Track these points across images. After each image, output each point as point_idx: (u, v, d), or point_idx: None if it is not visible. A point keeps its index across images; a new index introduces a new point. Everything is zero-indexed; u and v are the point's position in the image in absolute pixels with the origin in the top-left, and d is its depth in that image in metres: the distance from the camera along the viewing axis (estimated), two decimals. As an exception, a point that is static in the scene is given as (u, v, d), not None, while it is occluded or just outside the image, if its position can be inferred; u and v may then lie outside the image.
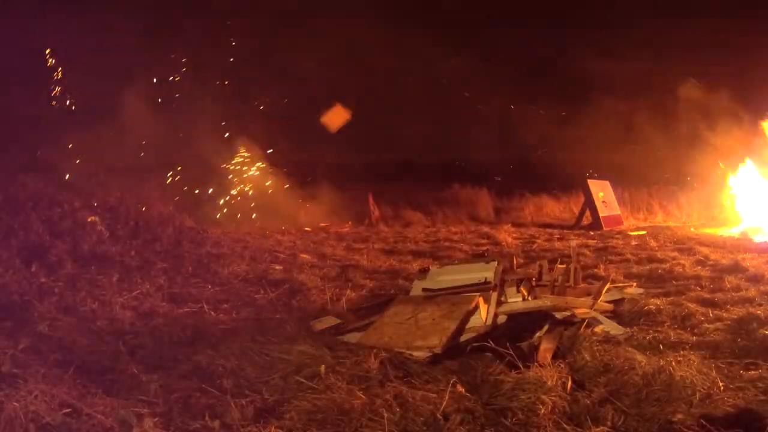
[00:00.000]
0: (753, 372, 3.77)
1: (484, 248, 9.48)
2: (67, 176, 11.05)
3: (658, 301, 5.50)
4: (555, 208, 18.25)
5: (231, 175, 15.17)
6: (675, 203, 16.46)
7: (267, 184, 15.12)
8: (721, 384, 3.52)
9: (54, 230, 7.70)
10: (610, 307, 5.15)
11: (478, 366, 4.07)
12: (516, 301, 5.02)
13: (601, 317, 4.81)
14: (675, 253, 8.96)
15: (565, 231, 13.45)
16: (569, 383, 3.55)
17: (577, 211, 15.78)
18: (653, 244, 10.27)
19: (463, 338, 4.51)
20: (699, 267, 7.69)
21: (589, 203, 14.42)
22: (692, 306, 5.34)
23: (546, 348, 4.17)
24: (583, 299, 5.07)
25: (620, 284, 6.28)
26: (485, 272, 5.45)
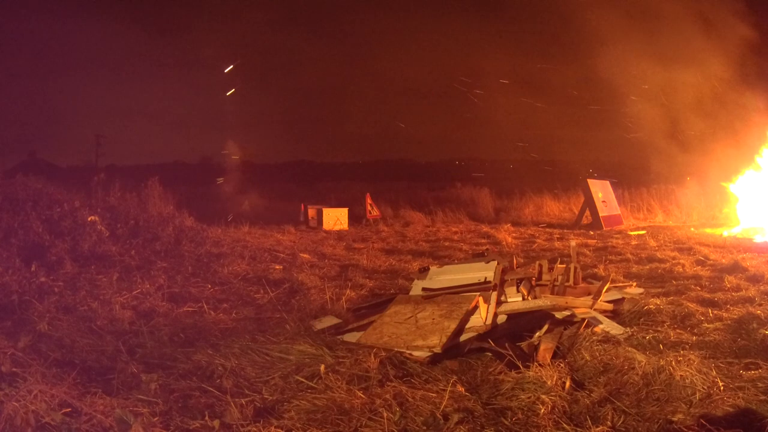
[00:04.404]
0: (753, 372, 3.77)
1: (484, 248, 9.48)
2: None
3: (658, 301, 5.51)
4: (555, 208, 18.27)
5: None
6: (675, 203, 16.48)
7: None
8: (721, 384, 3.52)
9: (54, 230, 7.70)
10: (610, 306, 5.15)
11: (478, 366, 4.08)
12: (516, 300, 5.01)
13: (601, 317, 4.81)
14: (675, 253, 8.97)
15: (565, 231, 13.46)
16: (569, 383, 3.55)
17: (577, 210, 15.79)
18: (653, 243, 10.28)
19: (463, 338, 4.50)
20: (699, 267, 7.70)
21: (589, 203, 14.43)
22: (692, 306, 5.35)
23: (546, 348, 4.17)
24: (583, 299, 5.07)
25: (620, 284, 6.28)
26: (485, 272, 5.45)
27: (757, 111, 13.73)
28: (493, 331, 4.53)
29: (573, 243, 6.49)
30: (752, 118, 13.78)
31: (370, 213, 15.86)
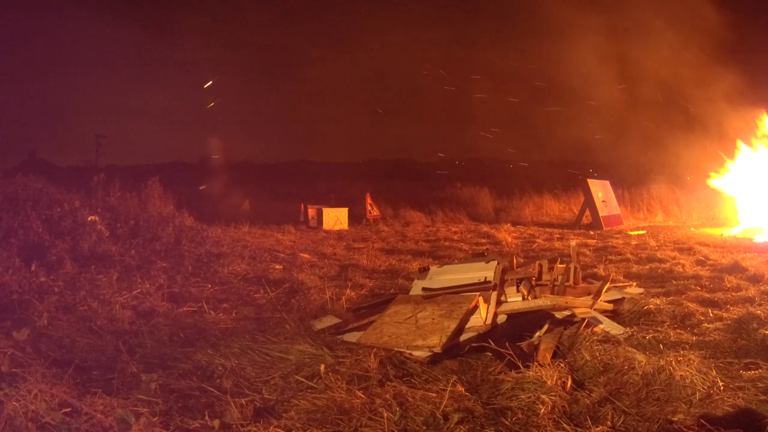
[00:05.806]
0: (753, 372, 3.77)
1: (484, 248, 9.49)
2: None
3: (658, 301, 5.51)
4: (555, 208, 18.27)
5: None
6: (675, 203, 16.49)
7: None
8: (721, 384, 3.52)
9: (54, 230, 7.69)
10: (610, 306, 5.15)
11: (478, 366, 4.08)
12: (516, 300, 5.02)
13: (601, 317, 4.81)
14: (675, 253, 8.97)
15: (565, 230, 13.46)
16: (569, 383, 3.55)
17: (577, 210, 15.80)
18: (653, 243, 10.28)
19: (463, 338, 4.51)
20: (699, 267, 7.70)
21: (589, 203, 14.43)
22: (692, 306, 5.34)
23: (546, 347, 4.17)
24: (583, 299, 5.07)
25: (620, 284, 6.28)
26: (485, 272, 5.45)
27: (740, 104, 13.76)
28: (493, 331, 4.53)
29: (573, 243, 6.49)
30: (740, 113, 13.79)
31: (370, 213, 15.87)
